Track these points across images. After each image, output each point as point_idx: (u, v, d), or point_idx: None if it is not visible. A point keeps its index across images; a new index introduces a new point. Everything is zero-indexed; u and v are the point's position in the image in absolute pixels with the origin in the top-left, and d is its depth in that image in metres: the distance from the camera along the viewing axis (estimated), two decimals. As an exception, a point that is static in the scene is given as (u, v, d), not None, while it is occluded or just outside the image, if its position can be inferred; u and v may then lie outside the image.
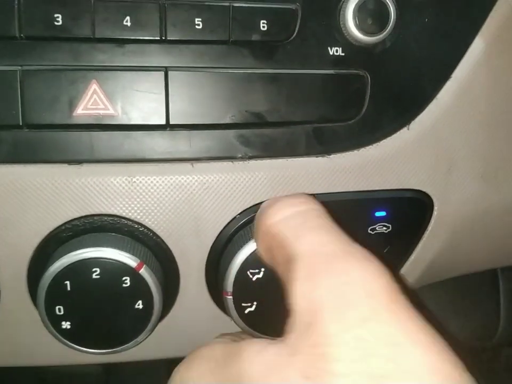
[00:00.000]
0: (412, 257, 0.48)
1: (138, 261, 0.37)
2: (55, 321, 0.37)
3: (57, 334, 0.38)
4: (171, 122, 0.39)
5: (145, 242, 0.40)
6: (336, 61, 0.40)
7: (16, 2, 0.35)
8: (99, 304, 0.38)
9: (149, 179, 0.39)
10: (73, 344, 0.39)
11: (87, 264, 0.36)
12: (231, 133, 0.40)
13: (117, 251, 0.37)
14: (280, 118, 0.41)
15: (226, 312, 0.40)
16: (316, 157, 0.42)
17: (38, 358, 0.43)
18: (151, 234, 0.40)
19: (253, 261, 0.38)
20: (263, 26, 0.39)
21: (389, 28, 0.39)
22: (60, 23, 0.36)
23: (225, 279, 0.39)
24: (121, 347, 0.39)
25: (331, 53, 0.41)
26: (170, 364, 0.35)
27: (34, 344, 0.42)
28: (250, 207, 0.41)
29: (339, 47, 0.40)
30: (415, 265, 0.48)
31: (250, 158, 0.41)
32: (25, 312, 0.41)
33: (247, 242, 0.38)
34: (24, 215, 0.38)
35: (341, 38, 0.40)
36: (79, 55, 0.37)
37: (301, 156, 0.42)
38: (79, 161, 0.39)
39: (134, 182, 0.39)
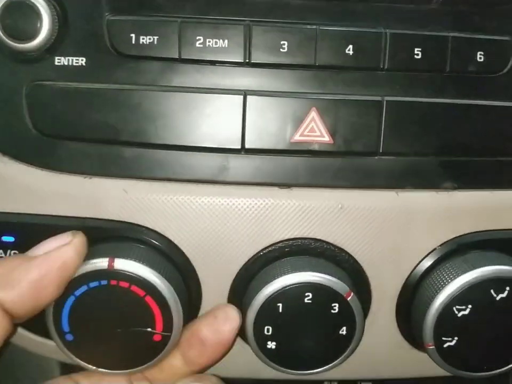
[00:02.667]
0: None
1: (348, 289, 0.37)
2: (261, 340, 0.38)
3: (260, 353, 0.39)
4: (381, 151, 0.39)
5: (346, 268, 0.40)
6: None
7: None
8: (305, 327, 0.38)
9: (358, 205, 0.39)
10: (273, 364, 0.39)
11: (302, 288, 0.37)
12: (436, 161, 0.40)
13: (330, 278, 0.37)
14: (489, 149, 0.40)
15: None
16: (521, 191, 0.41)
17: (229, 370, 0.44)
18: (352, 261, 0.40)
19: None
20: (480, 58, 0.38)
21: None
22: (286, 50, 0.37)
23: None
24: (318, 370, 0.40)
25: (543, 86, 0.40)
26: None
27: (227, 357, 0.43)
28: (452, 239, 0.40)
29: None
30: None
31: (455, 188, 0.40)
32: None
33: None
34: (235, 233, 0.39)
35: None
36: (300, 81, 0.38)
37: (505, 189, 0.41)
38: (289, 185, 0.39)
39: (343, 207, 0.39)
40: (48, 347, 0.42)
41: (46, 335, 0.39)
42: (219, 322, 0.38)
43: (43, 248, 0.34)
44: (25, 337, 0.42)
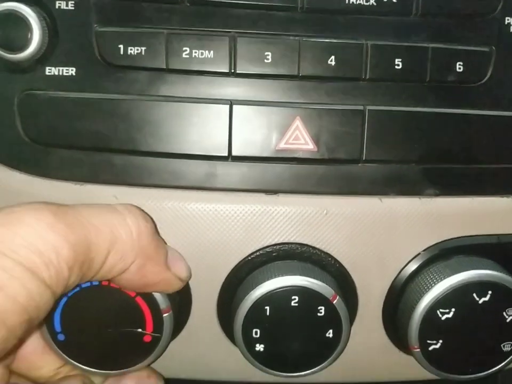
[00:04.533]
0: None
1: (333, 292, 0.38)
2: (249, 343, 0.39)
3: (249, 355, 0.39)
4: (364, 158, 0.40)
5: (332, 273, 0.41)
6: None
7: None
8: (292, 330, 0.39)
9: (343, 211, 0.40)
10: (262, 366, 0.40)
11: (289, 291, 0.38)
12: (418, 168, 0.41)
13: (315, 281, 0.38)
14: (469, 157, 0.41)
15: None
16: (501, 197, 0.42)
17: (218, 373, 0.45)
18: (338, 265, 0.41)
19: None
20: (459, 68, 0.39)
21: None
22: (270, 60, 0.38)
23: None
24: (306, 372, 0.40)
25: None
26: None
27: (216, 362, 0.44)
28: (435, 244, 0.41)
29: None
30: None
31: (438, 195, 0.41)
32: (211, 332, 0.42)
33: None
34: (224, 239, 0.40)
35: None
36: (284, 91, 0.39)
37: (486, 195, 0.42)
38: (276, 191, 0.40)
39: (328, 213, 0.40)
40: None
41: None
42: None
43: None
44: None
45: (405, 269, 0.42)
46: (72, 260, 0.29)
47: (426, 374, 0.44)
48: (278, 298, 0.38)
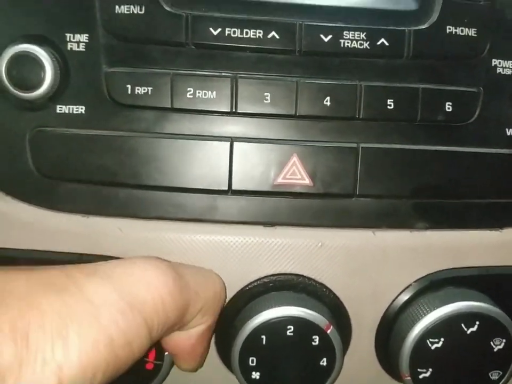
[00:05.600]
0: None
1: (327, 322, 0.40)
2: (246, 371, 0.40)
3: (245, 382, 0.41)
4: (358, 193, 0.42)
5: (326, 303, 0.42)
6: (512, 141, 0.42)
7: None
8: (288, 358, 0.40)
9: (337, 243, 0.42)
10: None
11: (285, 321, 0.39)
12: (409, 203, 0.43)
13: (310, 311, 0.40)
14: (458, 192, 0.43)
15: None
16: (490, 230, 0.44)
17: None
18: (332, 296, 0.43)
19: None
20: (448, 108, 0.42)
21: None
22: (269, 101, 0.40)
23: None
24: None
25: (508, 134, 0.43)
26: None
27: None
28: (425, 276, 0.43)
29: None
30: None
31: (428, 228, 0.43)
32: (209, 359, 0.44)
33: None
34: (222, 270, 0.42)
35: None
36: (283, 129, 0.41)
37: (474, 229, 0.44)
38: (273, 224, 0.42)
39: (323, 245, 0.42)
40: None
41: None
42: None
43: None
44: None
45: (396, 299, 0.43)
46: (172, 322, 0.33)
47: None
48: (274, 327, 0.39)
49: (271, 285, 0.42)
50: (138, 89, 0.40)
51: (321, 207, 0.42)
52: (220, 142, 0.41)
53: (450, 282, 0.43)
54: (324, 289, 0.43)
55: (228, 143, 0.41)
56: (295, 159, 0.41)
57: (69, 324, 0.27)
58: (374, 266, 0.43)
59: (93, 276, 0.31)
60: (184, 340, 0.38)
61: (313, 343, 0.40)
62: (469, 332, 0.40)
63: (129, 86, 0.40)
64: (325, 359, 0.40)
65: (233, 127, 0.41)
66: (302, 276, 0.43)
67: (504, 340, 0.41)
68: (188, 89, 0.40)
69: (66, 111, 0.40)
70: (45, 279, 0.30)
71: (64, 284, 0.30)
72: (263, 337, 0.39)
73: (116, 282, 0.31)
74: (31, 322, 0.26)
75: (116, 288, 0.31)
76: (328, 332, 0.40)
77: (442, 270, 0.43)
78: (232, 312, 0.42)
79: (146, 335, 0.31)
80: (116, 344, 0.29)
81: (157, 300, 0.32)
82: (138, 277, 0.32)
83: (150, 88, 0.40)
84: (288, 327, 0.39)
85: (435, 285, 0.43)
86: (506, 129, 0.43)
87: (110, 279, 0.31)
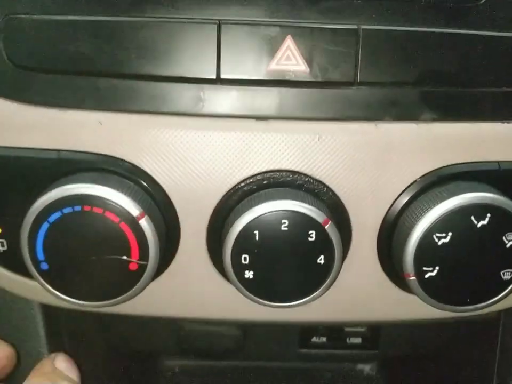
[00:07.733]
0: None
1: (325, 217, 0.37)
2: (238, 270, 0.38)
3: (238, 283, 0.38)
4: (359, 80, 0.38)
5: (325, 201, 0.39)
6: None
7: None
8: (283, 256, 0.38)
9: (337, 137, 0.39)
10: (251, 295, 0.39)
11: (278, 215, 0.36)
12: (414, 91, 0.39)
13: (306, 205, 0.37)
14: (467, 79, 0.39)
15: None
16: (502, 122, 0.40)
17: (208, 310, 0.44)
18: (331, 194, 0.40)
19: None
20: None
21: None
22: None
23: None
24: (297, 301, 0.39)
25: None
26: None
27: (206, 297, 0.43)
28: (432, 171, 0.40)
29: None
30: None
31: (435, 120, 0.39)
32: (200, 263, 0.42)
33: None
34: (212, 168, 0.39)
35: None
36: (275, 10, 0.38)
37: (487, 121, 0.40)
38: (266, 118, 0.39)
39: (323, 140, 0.39)
40: (28, 286, 0.42)
41: (26, 273, 0.39)
42: None
43: None
44: (4, 277, 0.42)
45: (400, 197, 0.40)
46: None
47: (423, 313, 0.43)
48: (267, 222, 0.37)
49: (264, 182, 0.39)
50: None
51: (318, 97, 0.39)
52: (206, 24, 0.37)
53: (460, 178, 0.40)
54: (322, 187, 0.40)
55: (215, 26, 0.37)
56: (289, 42, 0.37)
57: None
58: (376, 162, 0.40)
59: None
60: None
61: (310, 239, 0.37)
62: (479, 225, 0.37)
63: None
64: (322, 256, 0.37)
65: (221, 8, 0.38)
66: (298, 172, 0.40)
67: (517, 236, 0.37)
68: None
69: None
70: None
71: None
72: (256, 232, 0.37)
73: None
74: None
75: None
76: (326, 227, 0.37)
77: (451, 165, 0.40)
78: (223, 212, 0.40)
79: None
80: None
81: None
82: None
83: None
84: (283, 221, 0.37)
85: (443, 181, 0.40)
86: (522, 10, 0.39)
87: None
